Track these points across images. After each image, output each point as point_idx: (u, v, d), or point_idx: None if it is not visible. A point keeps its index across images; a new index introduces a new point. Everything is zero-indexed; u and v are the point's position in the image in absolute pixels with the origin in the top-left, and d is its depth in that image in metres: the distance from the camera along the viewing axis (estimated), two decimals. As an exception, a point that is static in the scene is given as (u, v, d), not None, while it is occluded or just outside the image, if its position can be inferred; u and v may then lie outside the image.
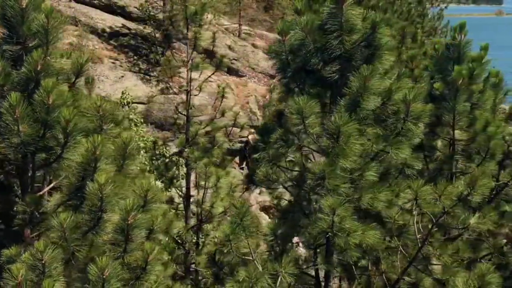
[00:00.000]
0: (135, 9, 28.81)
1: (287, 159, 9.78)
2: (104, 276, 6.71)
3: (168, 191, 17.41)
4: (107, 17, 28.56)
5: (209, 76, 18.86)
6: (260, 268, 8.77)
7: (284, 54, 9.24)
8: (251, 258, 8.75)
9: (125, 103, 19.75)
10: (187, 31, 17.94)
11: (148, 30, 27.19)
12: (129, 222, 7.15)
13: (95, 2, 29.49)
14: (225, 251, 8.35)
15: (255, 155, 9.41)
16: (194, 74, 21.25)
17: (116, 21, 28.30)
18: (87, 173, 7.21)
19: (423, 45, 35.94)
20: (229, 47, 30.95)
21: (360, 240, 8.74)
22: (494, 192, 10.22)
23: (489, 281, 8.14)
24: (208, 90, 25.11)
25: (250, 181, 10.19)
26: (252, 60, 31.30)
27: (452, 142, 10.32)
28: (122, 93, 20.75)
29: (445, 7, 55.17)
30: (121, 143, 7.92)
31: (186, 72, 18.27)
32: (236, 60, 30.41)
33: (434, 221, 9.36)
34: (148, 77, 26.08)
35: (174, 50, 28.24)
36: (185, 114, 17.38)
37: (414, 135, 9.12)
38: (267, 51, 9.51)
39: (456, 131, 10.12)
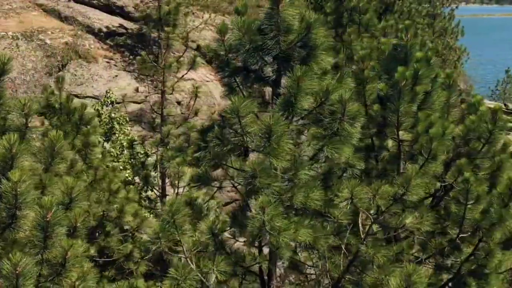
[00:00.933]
0: (134, 9, 28.98)
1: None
2: (17, 272, 6.82)
3: (144, 191, 17.60)
4: (105, 17, 28.75)
5: (182, 76, 19.02)
6: (193, 266, 8.89)
7: (223, 53, 9.34)
8: (183, 256, 8.83)
9: (109, 102, 19.93)
10: (161, 31, 18.12)
11: (147, 29, 27.30)
12: (47, 219, 7.26)
13: (94, 2, 29.71)
14: (153, 248, 8.45)
15: (196, 154, 9.51)
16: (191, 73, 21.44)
17: (113, 21, 28.47)
18: (4, 171, 7.34)
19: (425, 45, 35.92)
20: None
21: (293, 238, 8.82)
22: (441, 193, 10.25)
23: (415, 281, 8.20)
24: (202, 90, 25.20)
25: (198, 180, 10.30)
26: (251, 60, 31.31)
27: (398, 143, 10.34)
28: (106, 92, 20.95)
29: (456, 7, 54.86)
30: (49, 142, 8.06)
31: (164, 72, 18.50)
32: (235, 60, 30.43)
33: (372, 220, 9.43)
34: (143, 76, 26.22)
35: (171, 50, 28.48)
36: (160, 113, 17.62)
37: (351, 135, 9.14)
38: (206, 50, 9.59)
39: (401, 132, 10.14)
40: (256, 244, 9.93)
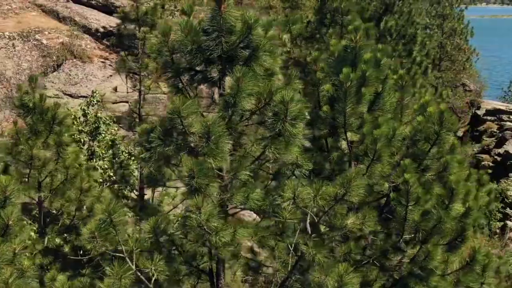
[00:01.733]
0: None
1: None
2: None
3: (124, 190, 17.72)
4: (102, 17, 29.01)
5: (160, 76, 19.03)
6: (132, 265, 8.97)
7: (168, 54, 9.40)
8: (122, 255, 8.91)
9: (95, 102, 20.06)
10: (139, 31, 18.25)
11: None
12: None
13: (93, 2, 29.99)
14: (89, 247, 8.52)
15: (141, 155, 9.58)
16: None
17: (110, 21, 28.70)
18: None
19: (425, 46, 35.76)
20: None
21: (231, 238, 8.87)
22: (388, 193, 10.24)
23: (346, 282, 8.24)
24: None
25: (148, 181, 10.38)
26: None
27: (347, 143, 10.36)
28: (92, 92, 21.11)
29: (465, 8, 54.62)
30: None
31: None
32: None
33: (316, 220, 9.46)
34: (137, 76, 26.34)
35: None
36: (138, 112, 17.76)
37: (293, 135, 9.17)
38: (149, 50, 9.67)
39: (350, 133, 10.16)
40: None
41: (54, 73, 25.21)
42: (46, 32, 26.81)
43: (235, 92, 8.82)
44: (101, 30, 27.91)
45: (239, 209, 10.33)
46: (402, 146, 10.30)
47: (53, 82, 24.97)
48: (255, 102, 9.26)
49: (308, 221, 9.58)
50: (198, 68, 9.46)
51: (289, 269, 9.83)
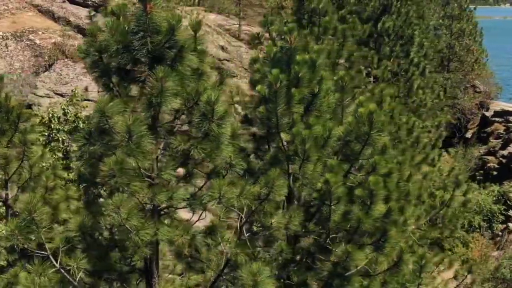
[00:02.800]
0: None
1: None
2: None
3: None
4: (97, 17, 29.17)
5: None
6: (56, 263, 9.08)
7: (96, 54, 9.49)
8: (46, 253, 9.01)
9: (75, 101, 20.22)
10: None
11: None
12: None
13: (89, 2, 30.27)
14: (8, 245, 8.63)
15: (72, 154, 9.70)
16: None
17: (104, 22, 28.83)
18: None
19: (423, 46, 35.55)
20: (222, 48, 31.27)
21: (152, 237, 8.95)
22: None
23: (262, 282, 8.29)
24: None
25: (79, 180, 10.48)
26: (246, 60, 31.56)
27: (282, 144, 10.39)
28: (72, 91, 21.29)
29: (474, 8, 54.31)
30: None
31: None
32: (227, 60, 30.72)
33: (245, 219, 9.52)
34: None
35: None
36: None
37: (220, 135, 9.22)
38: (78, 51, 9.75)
39: (283, 134, 10.19)
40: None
41: (46, 73, 25.46)
42: (40, 32, 27.11)
43: (158, 92, 8.87)
44: (95, 30, 28.01)
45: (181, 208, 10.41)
46: (337, 147, 10.31)
47: (44, 82, 25.20)
48: (183, 102, 9.33)
49: (242, 220, 9.66)
50: (127, 68, 9.52)
51: (220, 268, 9.89)
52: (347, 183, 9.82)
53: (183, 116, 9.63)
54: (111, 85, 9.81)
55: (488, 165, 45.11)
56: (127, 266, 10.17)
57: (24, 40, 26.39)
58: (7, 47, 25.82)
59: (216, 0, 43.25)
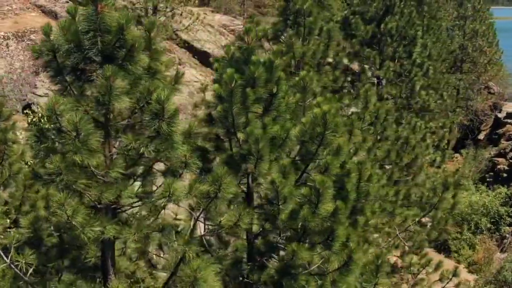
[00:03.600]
0: (140, 10, 29.49)
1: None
2: None
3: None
4: (98, 18, 29.28)
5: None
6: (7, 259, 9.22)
7: (50, 53, 9.60)
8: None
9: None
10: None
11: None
12: None
13: (91, 3, 30.27)
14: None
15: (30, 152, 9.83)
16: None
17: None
18: None
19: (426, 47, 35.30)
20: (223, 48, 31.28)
21: (99, 233, 9.04)
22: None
23: (201, 277, 8.36)
24: (188, 90, 25.54)
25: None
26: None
27: (238, 143, 10.43)
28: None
29: (487, 9, 54.01)
30: None
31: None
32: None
33: (196, 217, 9.60)
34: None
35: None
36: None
37: (171, 134, 9.30)
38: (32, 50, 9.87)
39: (239, 133, 10.25)
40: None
41: (45, 73, 25.64)
42: (41, 32, 27.30)
43: (106, 91, 8.96)
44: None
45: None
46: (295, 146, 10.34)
47: (43, 81, 25.42)
48: (135, 101, 9.43)
49: (195, 218, 9.74)
50: (80, 67, 9.62)
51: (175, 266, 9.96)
52: (301, 183, 9.87)
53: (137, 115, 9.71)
54: (66, 84, 9.91)
55: (498, 167, 44.79)
56: (81, 263, 10.28)
57: (25, 40, 26.65)
58: (8, 47, 26.09)
59: (224, 1, 43.35)
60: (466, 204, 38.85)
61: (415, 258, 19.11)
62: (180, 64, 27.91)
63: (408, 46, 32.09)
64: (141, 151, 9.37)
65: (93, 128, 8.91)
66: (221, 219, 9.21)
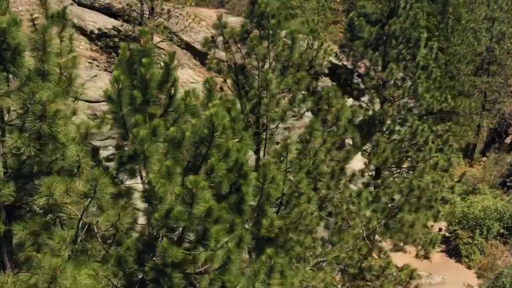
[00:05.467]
0: (137, 12, 29.88)
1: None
2: None
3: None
4: (100, 19, 29.90)
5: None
6: None
7: None
8: None
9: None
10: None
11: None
12: None
13: (96, 5, 31.00)
14: None
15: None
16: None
17: (107, 23, 29.58)
18: None
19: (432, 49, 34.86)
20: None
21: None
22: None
23: (61, 276, 8.62)
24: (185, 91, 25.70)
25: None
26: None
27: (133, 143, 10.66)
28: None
29: (515, 9, 53.10)
30: None
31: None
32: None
33: (80, 216, 9.85)
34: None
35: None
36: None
37: (54, 135, 9.55)
38: None
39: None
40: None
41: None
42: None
43: (-12, 91, 9.27)
44: (96, 31, 28.84)
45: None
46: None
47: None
48: (21, 101, 9.72)
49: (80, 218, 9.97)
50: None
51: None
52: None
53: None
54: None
55: (523, 172, 44.30)
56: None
57: (26, 41, 27.19)
58: (8, 48, 26.68)
59: (237, 3, 43.50)
60: (480, 208, 38.39)
61: (376, 261, 19.02)
62: (178, 65, 28.15)
63: (412, 49, 31.89)
64: (22, 150, 9.64)
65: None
66: (98, 219, 9.43)
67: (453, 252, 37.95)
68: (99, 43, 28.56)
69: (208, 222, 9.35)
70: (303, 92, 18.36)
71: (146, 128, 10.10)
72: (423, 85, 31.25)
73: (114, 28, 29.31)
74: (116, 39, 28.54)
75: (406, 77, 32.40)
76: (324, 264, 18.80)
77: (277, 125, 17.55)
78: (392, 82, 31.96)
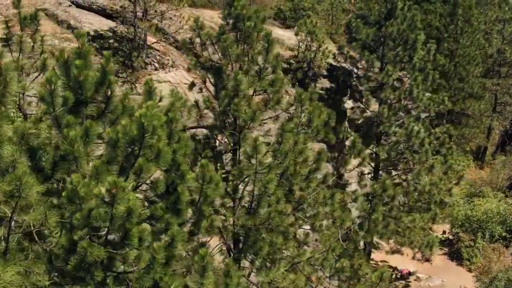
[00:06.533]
0: (130, 13, 30.23)
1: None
2: None
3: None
4: (96, 21, 30.23)
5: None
6: None
7: None
8: None
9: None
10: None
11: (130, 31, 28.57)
12: None
13: (94, 7, 31.31)
14: None
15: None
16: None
17: (103, 25, 29.90)
18: None
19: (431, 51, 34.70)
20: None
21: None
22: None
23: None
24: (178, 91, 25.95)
25: None
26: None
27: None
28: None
29: (528, 11, 52.67)
30: None
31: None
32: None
33: (10, 215, 10.03)
34: (116, 78, 27.37)
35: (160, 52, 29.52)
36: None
37: None
38: None
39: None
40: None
41: (35, 73, 26.55)
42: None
43: None
44: (92, 33, 29.16)
45: None
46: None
47: (34, 82, 26.31)
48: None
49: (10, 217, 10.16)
50: None
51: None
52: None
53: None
54: None
55: (536, 172, 43.98)
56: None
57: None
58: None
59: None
60: (482, 211, 38.13)
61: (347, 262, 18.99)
62: (172, 66, 28.46)
63: (409, 50, 31.81)
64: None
65: None
66: (25, 218, 9.61)
67: (455, 255, 37.76)
68: (94, 44, 28.85)
69: (130, 222, 9.49)
70: (279, 94, 18.42)
71: (77, 129, 10.24)
72: (418, 87, 31.15)
73: (110, 29, 29.60)
74: (112, 41, 28.84)
75: (403, 78, 32.35)
76: (300, 265, 18.83)
77: (249, 126, 17.60)
78: (389, 83, 31.90)
